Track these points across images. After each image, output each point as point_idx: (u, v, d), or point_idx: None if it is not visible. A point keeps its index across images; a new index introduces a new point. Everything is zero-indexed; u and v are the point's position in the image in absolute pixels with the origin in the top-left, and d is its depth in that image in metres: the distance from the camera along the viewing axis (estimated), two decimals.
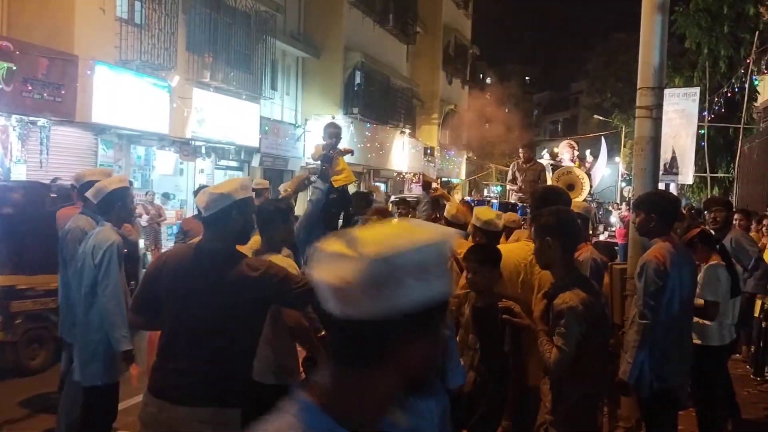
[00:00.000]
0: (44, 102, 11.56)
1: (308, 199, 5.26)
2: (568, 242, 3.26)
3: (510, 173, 10.80)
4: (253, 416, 3.74)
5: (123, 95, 12.99)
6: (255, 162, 18.72)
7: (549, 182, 10.52)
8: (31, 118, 11.63)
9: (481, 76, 45.24)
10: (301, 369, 4.01)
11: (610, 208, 28.62)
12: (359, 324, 1.00)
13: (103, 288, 4.04)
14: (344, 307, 1.00)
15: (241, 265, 2.93)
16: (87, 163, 12.74)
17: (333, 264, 1.00)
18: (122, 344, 4.04)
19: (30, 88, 11.26)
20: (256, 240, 3.92)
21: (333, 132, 6.09)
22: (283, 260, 3.58)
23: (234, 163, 18.50)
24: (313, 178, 5.22)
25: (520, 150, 10.96)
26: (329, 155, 5.56)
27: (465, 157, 37.82)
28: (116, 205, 4.26)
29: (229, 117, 16.63)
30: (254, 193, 6.84)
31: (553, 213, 3.29)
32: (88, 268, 4.10)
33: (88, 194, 4.31)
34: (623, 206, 24.00)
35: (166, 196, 15.12)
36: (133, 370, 4.23)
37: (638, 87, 4.78)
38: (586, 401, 3.17)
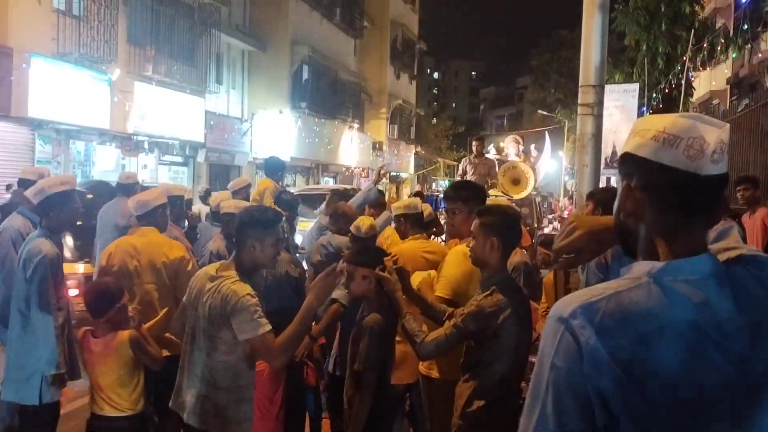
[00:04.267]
0: None
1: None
2: (510, 244, 3.10)
3: (461, 168, 10.90)
4: None
5: (61, 89, 12.58)
6: (200, 157, 18.40)
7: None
8: None
9: (429, 71, 45.57)
10: None
11: (552, 200, 29.17)
12: None
13: (33, 305, 3.76)
14: None
15: None
16: (23, 159, 12.31)
17: None
18: (49, 367, 3.75)
19: None
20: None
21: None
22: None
23: (179, 159, 18.15)
24: None
25: (473, 144, 11.07)
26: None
27: (413, 151, 38.04)
28: (56, 210, 3.93)
29: (172, 111, 16.30)
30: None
31: (504, 213, 3.13)
32: (20, 282, 3.82)
33: (28, 194, 4.00)
34: (565, 200, 24.50)
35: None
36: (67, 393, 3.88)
37: (580, 85, 4.89)
38: (495, 407, 2.97)
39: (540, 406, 1.19)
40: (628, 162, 1.29)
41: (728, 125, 1.27)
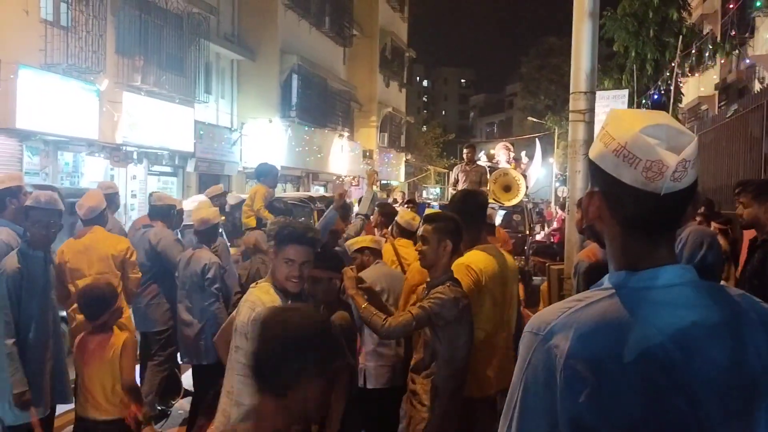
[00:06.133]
0: None
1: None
2: (458, 246, 3.35)
3: (453, 176, 10.94)
4: None
5: (49, 100, 12.48)
6: (190, 167, 18.31)
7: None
8: None
9: (418, 78, 45.68)
10: None
11: (544, 206, 29.23)
12: None
13: None
14: None
15: None
16: (11, 171, 12.19)
17: None
18: (14, 385, 3.66)
19: None
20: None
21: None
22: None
23: (168, 169, 18.05)
24: None
25: (465, 151, 11.10)
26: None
27: (404, 159, 38.05)
28: (32, 222, 3.90)
29: (161, 121, 16.20)
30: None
31: (452, 218, 3.38)
32: None
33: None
34: (557, 207, 24.54)
35: None
36: (32, 417, 3.73)
37: (571, 92, 4.88)
38: (457, 395, 3.21)
39: (509, 417, 1.22)
40: (592, 167, 1.29)
41: (695, 140, 1.20)
